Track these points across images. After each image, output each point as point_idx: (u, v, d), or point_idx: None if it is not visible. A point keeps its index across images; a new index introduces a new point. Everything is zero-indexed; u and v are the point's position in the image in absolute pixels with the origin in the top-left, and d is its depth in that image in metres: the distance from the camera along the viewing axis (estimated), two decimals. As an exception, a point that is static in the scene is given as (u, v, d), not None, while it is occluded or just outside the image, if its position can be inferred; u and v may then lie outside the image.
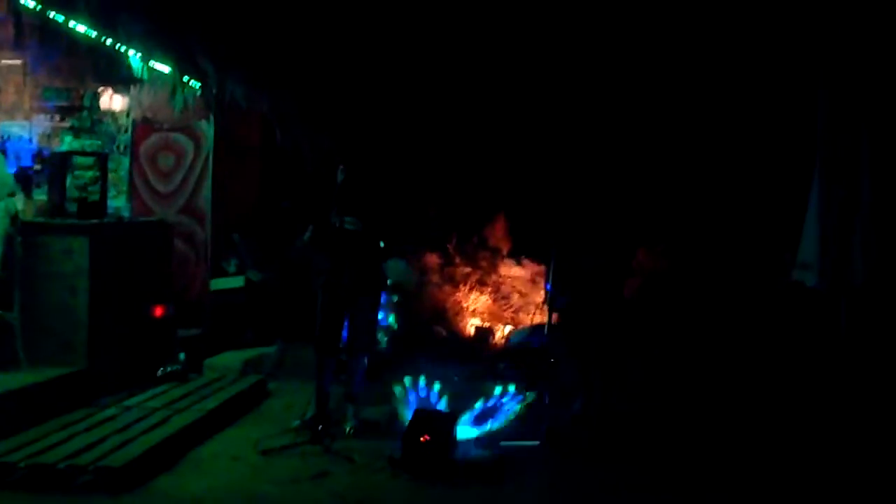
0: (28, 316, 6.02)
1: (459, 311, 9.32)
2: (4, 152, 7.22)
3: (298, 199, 7.92)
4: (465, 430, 5.61)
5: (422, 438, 5.18)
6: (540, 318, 8.51)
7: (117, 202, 7.79)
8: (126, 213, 7.67)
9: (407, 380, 5.97)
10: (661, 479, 5.19)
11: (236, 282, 8.71)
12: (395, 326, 8.35)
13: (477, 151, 9.26)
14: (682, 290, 8.56)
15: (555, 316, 6.40)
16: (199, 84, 7.80)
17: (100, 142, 7.89)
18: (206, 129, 8.33)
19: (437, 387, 5.88)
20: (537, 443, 5.76)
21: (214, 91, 7.75)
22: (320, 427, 5.68)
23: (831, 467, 5.30)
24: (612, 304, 6.17)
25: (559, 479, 5.13)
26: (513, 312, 9.31)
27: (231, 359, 7.81)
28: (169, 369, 7.00)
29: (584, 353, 6.19)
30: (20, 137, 7.83)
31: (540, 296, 8.70)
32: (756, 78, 8.54)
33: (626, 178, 8.26)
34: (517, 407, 6.10)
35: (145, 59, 7.12)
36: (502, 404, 5.98)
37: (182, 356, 7.19)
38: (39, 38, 6.53)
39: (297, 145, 8.47)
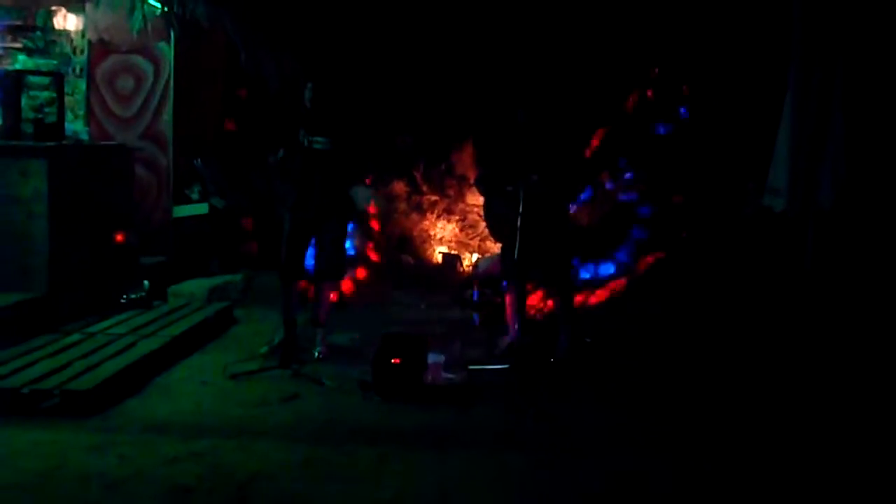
0: (-15, 241, 5.86)
1: (426, 240, 9.29)
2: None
3: (261, 123, 7.72)
4: (434, 355, 5.62)
5: (393, 361, 5.18)
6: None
7: (75, 126, 7.54)
8: (84, 138, 7.43)
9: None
10: (626, 402, 5.25)
11: (200, 209, 8.56)
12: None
13: (445, 77, 9.09)
14: (648, 217, 8.60)
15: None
16: (158, 3, 7.52)
17: (55, 61, 7.62)
18: (167, 51, 8.06)
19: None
20: (506, 366, 5.79)
21: (175, 10, 7.48)
22: (288, 352, 5.66)
23: (798, 396, 5.41)
24: (558, 227, 6.00)
25: (526, 402, 5.16)
26: (480, 241, 9.29)
27: (196, 286, 7.72)
28: (133, 296, 6.91)
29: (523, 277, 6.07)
30: (-30, 58, 7.52)
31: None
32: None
33: (590, 103, 8.21)
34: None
35: (100, -25, 6.84)
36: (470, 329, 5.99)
37: (146, 284, 7.08)
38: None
39: (261, 67, 8.24)
